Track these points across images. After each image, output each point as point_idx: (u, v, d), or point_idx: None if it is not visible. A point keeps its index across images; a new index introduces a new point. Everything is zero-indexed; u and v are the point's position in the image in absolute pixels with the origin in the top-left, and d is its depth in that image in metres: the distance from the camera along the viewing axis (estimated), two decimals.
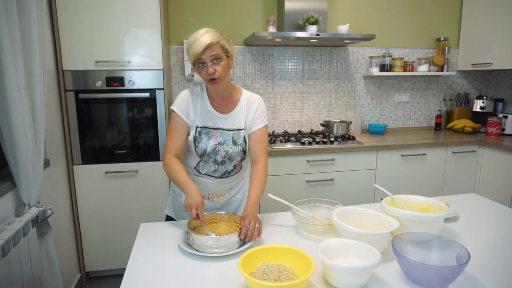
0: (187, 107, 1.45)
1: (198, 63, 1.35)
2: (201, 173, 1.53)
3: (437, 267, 0.99)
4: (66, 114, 2.28)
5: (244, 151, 1.50)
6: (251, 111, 1.50)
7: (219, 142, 1.46)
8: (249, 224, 1.25)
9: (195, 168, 1.53)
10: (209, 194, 1.57)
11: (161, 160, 2.43)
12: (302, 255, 1.02)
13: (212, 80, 1.36)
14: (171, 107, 1.47)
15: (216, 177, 1.53)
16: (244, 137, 1.49)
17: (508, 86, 3.36)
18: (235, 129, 1.48)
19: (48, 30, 2.13)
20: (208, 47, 1.30)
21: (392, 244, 1.04)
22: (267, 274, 0.98)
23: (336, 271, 0.96)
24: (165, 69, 2.37)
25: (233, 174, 1.55)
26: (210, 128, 1.46)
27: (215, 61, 1.33)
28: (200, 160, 1.50)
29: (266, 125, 1.53)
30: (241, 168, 1.56)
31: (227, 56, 1.37)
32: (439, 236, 1.12)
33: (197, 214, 1.28)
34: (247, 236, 1.23)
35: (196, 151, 1.47)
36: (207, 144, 1.45)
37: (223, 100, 1.48)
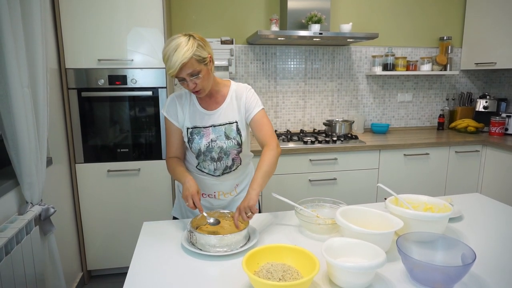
0: (175, 110, 1.47)
1: (177, 79, 1.33)
2: (204, 172, 1.54)
3: (442, 267, 0.98)
4: (68, 113, 2.28)
5: (239, 144, 1.49)
6: (242, 101, 1.48)
7: (211, 139, 1.45)
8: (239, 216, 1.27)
9: (197, 167, 1.54)
10: (215, 193, 1.57)
11: (164, 159, 2.46)
12: (306, 255, 1.01)
13: (196, 92, 1.37)
14: (162, 111, 1.51)
15: (218, 175, 1.53)
16: (238, 129, 1.48)
17: None
18: (226, 123, 1.47)
19: (51, 28, 2.13)
20: (181, 68, 1.26)
21: (396, 243, 1.03)
22: (271, 273, 0.97)
23: (341, 271, 0.96)
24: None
25: (235, 169, 1.55)
26: (200, 128, 1.46)
27: (193, 76, 1.30)
28: (199, 161, 1.51)
29: (263, 109, 1.49)
30: (241, 162, 1.55)
31: (205, 64, 1.32)
32: (444, 236, 1.11)
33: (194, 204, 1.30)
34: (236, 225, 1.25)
35: (192, 151, 1.49)
36: (200, 143, 1.45)
37: (211, 98, 1.47)
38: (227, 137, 1.46)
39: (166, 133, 1.51)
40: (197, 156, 1.49)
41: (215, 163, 1.49)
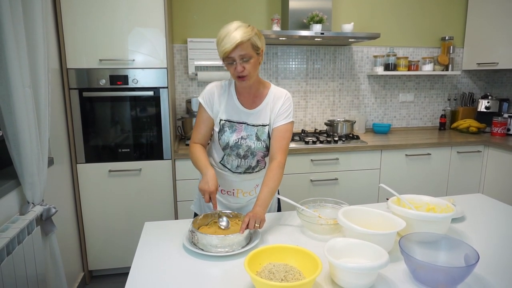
0: (212, 99, 1.47)
1: (227, 60, 1.33)
2: (226, 167, 1.54)
3: (446, 268, 0.98)
4: (70, 113, 2.28)
5: (267, 148, 1.49)
6: (277, 106, 1.47)
7: (242, 137, 1.45)
8: (248, 222, 1.23)
9: (220, 162, 1.54)
10: (233, 190, 1.57)
11: (165, 159, 2.46)
12: (308, 255, 1.01)
13: (240, 78, 1.36)
14: (198, 98, 1.50)
15: (240, 173, 1.53)
16: (269, 133, 1.47)
17: None
18: (260, 125, 1.47)
19: (53, 28, 2.13)
20: (238, 46, 1.28)
21: (399, 244, 1.03)
22: (274, 274, 0.97)
23: (343, 271, 0.95)
24: (169, 68, 2.36)
25: (258, 171, 1.55)
26: (234, 122, 1.46)
27: (244, 59, 1.32)
28: (224, 155, 1.51)
29: (291, 122, 1.48)
30: (265, 165, 1.55)
31: (257, 53, 1.35)
32: (446, 237, 1.11)
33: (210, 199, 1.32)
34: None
35: (219, 143, 1.48)
36: (230, 137, 1.45)
37: (250, 95, 1.47)
38: (258, 139, 1.46)
39: (197, 119, 1.51)
40: (224, 149, 1.49)
41: (239, 160, 1.49)
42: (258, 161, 1.52)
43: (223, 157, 1.52)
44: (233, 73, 1.36)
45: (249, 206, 1.58)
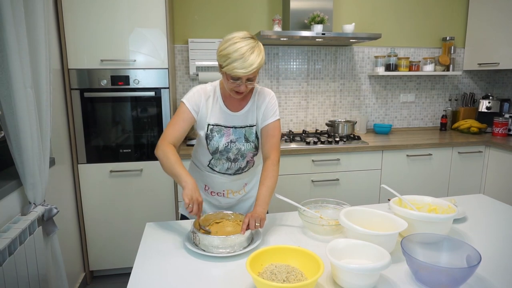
0: (198, 103, 1.43)
1: (233, 77, 1.30)
2: (215, 171, 1.54)
3: (448, 269, 0.98)
4: (71, 113, 2.28)
5: (256, 147, 1.49)
6: (262, 105, 1.47)
7: (231, 140, 1.45)
8: (248, 222, 1.23)
9: (208, 166, 1.54)
10: (223, 191, 1.57)
11: None
12: (310, 256, 1.01)
13: (238, 93, 1.36)
14: (181, 99, 1.43)
15: (230, 174, 1.53)
16: (256, 133, 1.48)
17: None
18: (247, 126, 1.47)
19: (54, 29, 2.13)
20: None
21: (401, 245, 1.03)
22: (275, 274, 0.97)
23: (346, 272, 0.95)
24: (170, 68, 2.36)
25: (247, 170, 1.56)
26: (222, 126, 1.46)
27: (249, 81, 1.32)
28: (212, 158, 1.50)
29: (279, 120, 1.48)
30: (254, 164, 1.56)
31: (258, 72, 1.35)
32: (448, 237, 1.10)
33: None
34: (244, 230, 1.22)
35: (208, 148, 1.47)
36: (219, 142, 1.44)
37: (236, 99, 1.46)
38: (247, 140, 1.47)
39: (175, 117, 1.41)
40: (213, 153, 1.48)
41: (229, 163, 1.50)
42: (247, 161, 1.53)
43: (211, 160, 1.51)
44: (232, 88, 1.34)
45: (240, 204, 1.61)
